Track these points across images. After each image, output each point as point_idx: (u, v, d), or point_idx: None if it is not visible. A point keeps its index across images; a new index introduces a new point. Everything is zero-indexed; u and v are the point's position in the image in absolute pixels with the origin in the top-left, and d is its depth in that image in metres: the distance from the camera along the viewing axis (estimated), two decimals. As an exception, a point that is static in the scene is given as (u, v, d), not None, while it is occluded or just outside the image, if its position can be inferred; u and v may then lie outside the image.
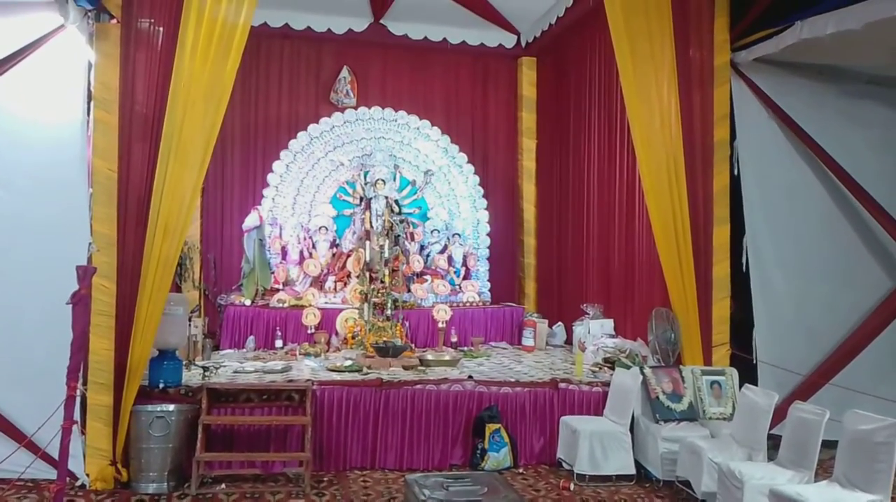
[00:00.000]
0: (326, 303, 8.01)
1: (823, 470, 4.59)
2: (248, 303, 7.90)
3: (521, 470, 5.59)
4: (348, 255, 8.45)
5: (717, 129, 5.99)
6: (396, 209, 8.67)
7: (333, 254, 8.52)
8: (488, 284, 9.12)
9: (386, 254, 7.93)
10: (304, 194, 8.79)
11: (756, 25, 5.93)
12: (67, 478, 4.38)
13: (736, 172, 6.10)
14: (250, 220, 8.27)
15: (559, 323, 8.57)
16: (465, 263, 8.89)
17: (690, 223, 5.89)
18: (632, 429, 5.48)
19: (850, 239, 6.35)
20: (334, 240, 8.61)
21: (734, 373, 5.67)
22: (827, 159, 6.19)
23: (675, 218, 5.89)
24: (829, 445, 4.28)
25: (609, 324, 7.33)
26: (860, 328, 6.28)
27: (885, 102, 6.43)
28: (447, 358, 6.86)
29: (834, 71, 6.24)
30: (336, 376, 5.98)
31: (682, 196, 5.89)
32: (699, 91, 5.96)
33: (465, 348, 7.77)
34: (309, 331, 7.58)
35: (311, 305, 7.83)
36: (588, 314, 7.48)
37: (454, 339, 7.96)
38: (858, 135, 6.33)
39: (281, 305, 7.85)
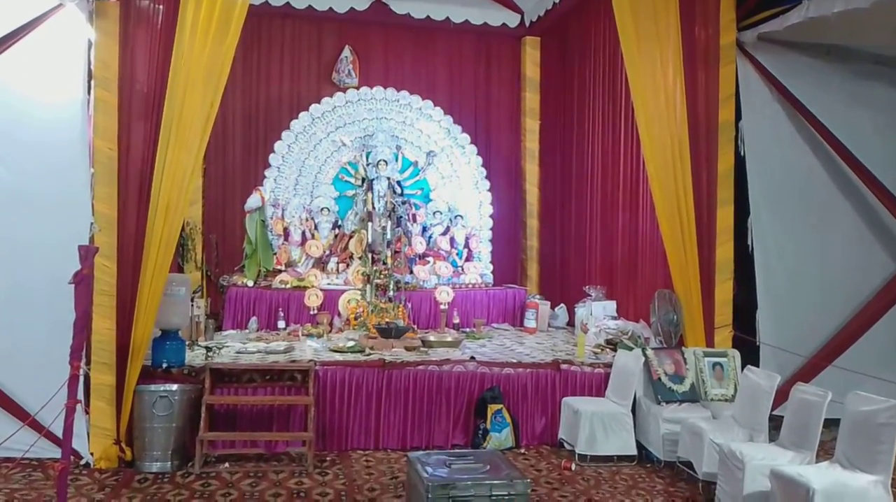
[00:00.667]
0: (329, 284, 8.04)
1: (824, 452, 4.59)
2: (250, 284, 7.93)
3: (522, 451, 5.63)
4: (350, 237, 8.46)
5: (722, 110, 5.97)
6: (399, 190, 8.68)
7: (336, 236, 8.54)
8: (490, 266, 9.15)
9: (388, 236, 7.94)
10: (306, 175, 8.79)
11: (762, 4, 5.89)
12: (72, 457, 4.42)
13: (741, 153, 6.09)
14: (252, 201, 8.28)
15: (561, 304, 8.60)
16: (467, 245, 8.91)
17: (694, 205, 5.88)
18: (633, 410, 5.50)
19: (855, 221, 6.36)
20: (336, 222, 8.64)
21: (736, 354, 5.67)
22: (832, 141, 6.16)
23: (678, 199, 5.89)
24: (830, 424, 4.28)
25: (611, 305, 7.35)
26: (863, 310, 6.29)
27: (893, 83, 6.38)
28: (449, 339, 6.89)
29: (841, 51, 6.20)
30: (338, 357, 6.00)
31: (687, 177, 5.89)
32: (704, 71, 5.94)
33: (468, 330, 7.81)
34: (311, 313, 7.62)
35: (313, 286, 7.87)
36: (590, 296, 7.51)
37: (456, 321, 7.98)
38: (865, 117, 6.30)
39: (283, 286, 7.88)
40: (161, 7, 5.24)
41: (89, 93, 5.23)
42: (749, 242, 6.10)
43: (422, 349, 6.42)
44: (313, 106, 8.79)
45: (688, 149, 5.89)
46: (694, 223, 5.89)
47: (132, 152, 5.22)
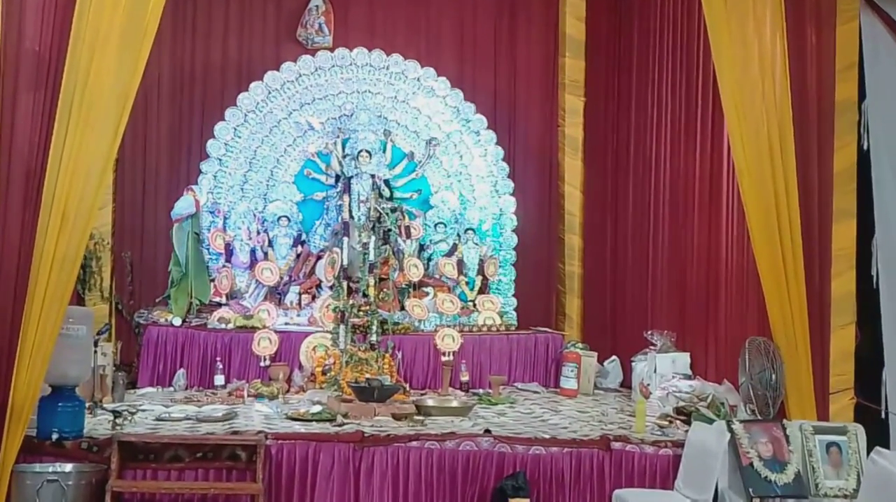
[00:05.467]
0: (287, 324, 8.10)
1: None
2: (177, 322, 7.96)
3: (557, 565, 5.68)
4: (318, 257, 8.49)
5: (839, 86, 6.07)
6: (387, 192, 8.73)
7: (298, 256, 8.58)
8: (514, 301, 9.17)
9: (371, 257, 7.89)
10: (259, 170, 8.86)
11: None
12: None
13: (865, 146, 6.16)
14: (182, 206, 8.30)
15: (613, 357, 8.62)
16: (481, 271, 8.91)
17: (801, 218, 5.94)
18: (715, 509, 5.55)
19: None
20: (299, 236, 8.67)
21: (860, 431, 5.67)
22: None
23: (778, 210, 5.92)
24: None
25: (684, 359, 7.38)
26: None
27: None
28: (455, 404, 6.91)
29: None
30: (299, 427, 6.00)
31: (790, 180, 5.93)
32: (815, 31, 6.04)
33: (481, 391, 7.82)
34: (262, 364, 7.67)
35: (264, 327, 7.90)
36: (654, 346, 7.53)
37: (465, 378, 8.02)
38: None
39: (223, 326, 7.92)
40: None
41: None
42: (874, 271, 6.16)
43: (416, 418, 6.38)
44: (269, 74, 8.85)
45: (791, 141, 5.93)
46: (800, 244, 5.92)
47: (17, 134, 5.29)
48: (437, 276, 8.85)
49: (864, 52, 6.17)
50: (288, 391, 7.37)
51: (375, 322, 7.69)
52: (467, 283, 8.86)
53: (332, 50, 9.06)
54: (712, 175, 7.29)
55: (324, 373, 7.57)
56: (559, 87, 9.85)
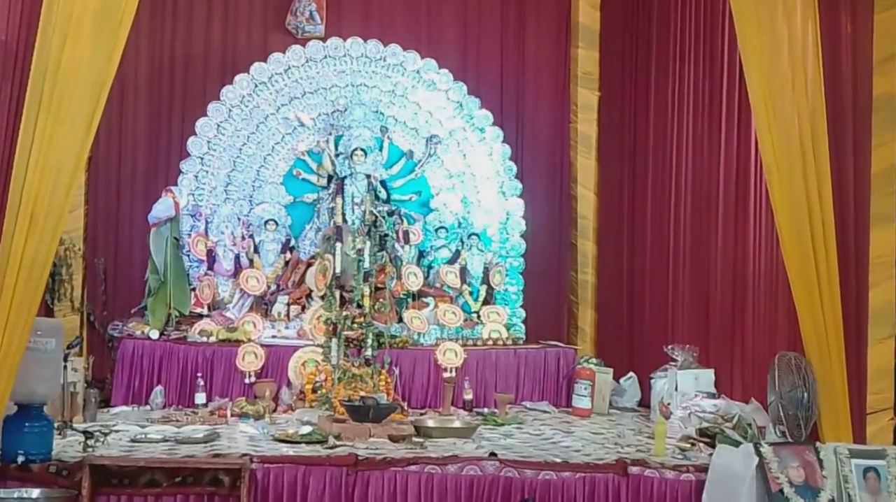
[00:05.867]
0: (274, 337, 8.01)
1: None
2: (154, 335, 7.87)
3: None
4: (308, 265, 8.41)
5: (877, 79, 5.95)
6: (383, 194, 8.66)
7: (286, 263, 8.50)
8: (522, 312, 9.08)
9: (366, 264, 7.87)
10: (244, 170, 8.76)
11: None
12: None
13: (905, 144, 6.07)
14: (161, 209, 8.19)
15: (631, 374, 8.54)
16: (486, 280, 8.85)
17: (836, 221, 5.87)
18: (742, 539, 5.44)
19: None
20: (288, 242, 8.59)
21: None
22: None
23: (811, 213, 5.86)
24: None
25: (708, 376, 7.35)
26: None
27: None
28: (457, 425, 6.87)
29: None
30: (287, 450, 5.96)
31: (824, 180, 5.86)
32: (850, 19, 5.98)
33: (486, 410, 7.75)
34: (247, 381, 7.59)
35: (250, 340, 7.82)
36: (675, 361, 7.47)
37: (468, 397, 7.92)
38: None
39: (205, 340, 7.83)
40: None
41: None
42: (914, 279, 6.07)
43: (415, 439, 6.35)
44: (256, 65, 8.74)
45: (825, 139, 5.86)
46: (835, 250, 5.86)
47: (-19, 129, 5.36)
48: (437, 285, 8.76)
49: (905, 40, 6.09)
50: (275, 410, 7.29)
51: (371, 335, 7.67)
52: (471, 293, 8.79)
53: (324, 39, 8.98)
54: (738, 175, 7.25)
55: (314, 391, 7.49)
56: (571, 81, 9.81)
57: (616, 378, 8.39)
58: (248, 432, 6.52)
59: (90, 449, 5.72)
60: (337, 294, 7.90)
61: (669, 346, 7.60)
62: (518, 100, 9.80)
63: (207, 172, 8.72)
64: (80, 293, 8.21)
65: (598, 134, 9.68)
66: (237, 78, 8.75)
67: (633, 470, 5.82)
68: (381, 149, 8.81)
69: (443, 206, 9.03)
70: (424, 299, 8.61)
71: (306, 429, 6.37)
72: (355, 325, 7.65)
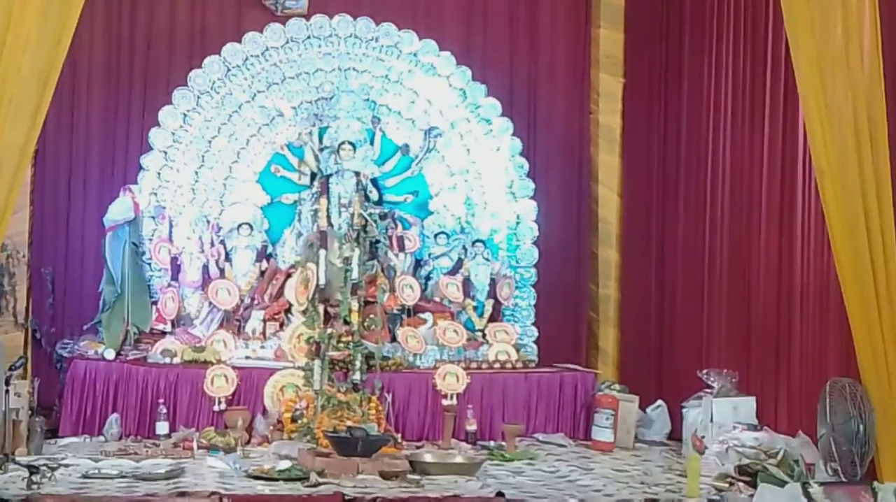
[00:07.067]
0: (248, 358, 8.01)
1: None
2: (109, 355, 7.86)
3: None
4: (288, 275, 8.36)
5: None
6: (375, 195, 8.69)
7: (262, 273, 8.49)
8: (534, 331, 9.02)
9: (354, 274, 7.93)
10: (214, 166, 8.71)
11: None
12: None
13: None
14: (118, 211, 8.23)
15: (659, 402, 8.48)
16: (492, 293, 8.79)
17: None
18: None
19: None
20: (264, 249, 8.58)
21: None
22: None
23: (868, 219, 5.93)
24: None
25: (748, 405, 7.34)
26: None
27: None
28: (459, 460, 6.91)
29: None
30: (263, 488, 5.99)
31: (883, 181, 5.91)
32: None
33: (492, 443, 7.74)
34: (216, 408, 7.62)
35: (220, 362, 7.81)
36: (711, 388, 7.44)
37: (472, 428, 7.89)
38: None
39: (168, 361, 7.83)
40: None
41: None
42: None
43: (411, 477, 6.35)
44: (229, 46, 8.72)
45: (884, 132, 5.87)
46: None
47: None
48: (437, 299, 8.74)
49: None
50: (249, 442, 7.32)
51: (359, 356, 7.75)
52: (475, 308, 8.77)
53: (307, 17, 8.92)
54: (784, 173, 7.23)
55: (294, 421, 7.46)
56: (592, 65, 9.81)
57: (642, 407, 8.37)
58: (217, 467, 6.51)
59: (35, 487, 5.73)
60: (321, 309, 7.93)
61: (704, 371, 7.55)
62: (530, 87, 9.73)
63: (172, 169, 8.69)
64: (25, 306, 8.13)
65: (622, 126, 9.67)
66: (207, 60, 8.71)
67: (663, 512, 5.63)
68: (371, 143, 8.77)
69: (443, 209, 9.01)
70: (421, 315, 8.56)
71: (284, 465, 6.38)
72: (341, 345, 7.74)
